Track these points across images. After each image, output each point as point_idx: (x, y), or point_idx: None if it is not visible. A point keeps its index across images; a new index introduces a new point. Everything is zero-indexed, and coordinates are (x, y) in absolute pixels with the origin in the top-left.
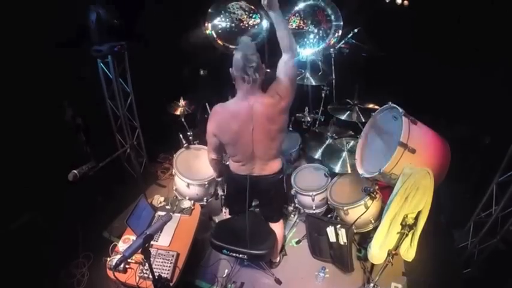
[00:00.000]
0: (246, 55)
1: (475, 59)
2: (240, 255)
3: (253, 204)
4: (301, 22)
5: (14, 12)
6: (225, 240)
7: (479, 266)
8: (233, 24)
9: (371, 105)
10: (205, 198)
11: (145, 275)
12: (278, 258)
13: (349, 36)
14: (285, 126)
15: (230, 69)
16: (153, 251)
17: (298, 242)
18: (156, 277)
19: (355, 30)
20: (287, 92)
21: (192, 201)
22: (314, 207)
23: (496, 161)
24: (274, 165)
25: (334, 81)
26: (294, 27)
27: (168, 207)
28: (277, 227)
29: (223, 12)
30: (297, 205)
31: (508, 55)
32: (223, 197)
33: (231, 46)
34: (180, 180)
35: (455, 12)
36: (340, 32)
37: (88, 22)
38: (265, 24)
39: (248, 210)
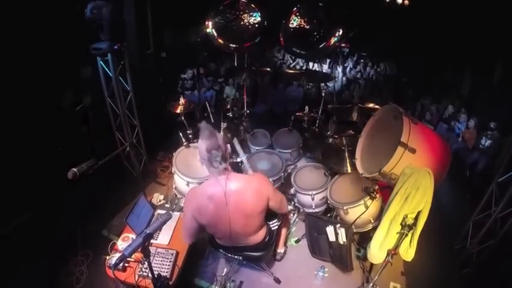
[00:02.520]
0: (210, 150)
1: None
2: (235, 256)
3: None
4: (302, 21)
5: (15, 9)
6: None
7: (478, 266)
8: (233, 23)
9: (371, 105)
10: None
11: (145, 274)
12: (284, 249)
13: (349, 35)
14: (264, 207)
15: (198, 156)
16: (152, 249)
17: (297, 241)
18: (156, 276)
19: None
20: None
21: None
22: (314, 207)
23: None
24: (258, 237)
25: (334, 81)
26: (294, 25)
27: (167, 205)
28: (284, 220)
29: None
30: (296, 204)
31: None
32: None
33: (231, 44)
34: (179, 178)
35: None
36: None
37: (90, 18)
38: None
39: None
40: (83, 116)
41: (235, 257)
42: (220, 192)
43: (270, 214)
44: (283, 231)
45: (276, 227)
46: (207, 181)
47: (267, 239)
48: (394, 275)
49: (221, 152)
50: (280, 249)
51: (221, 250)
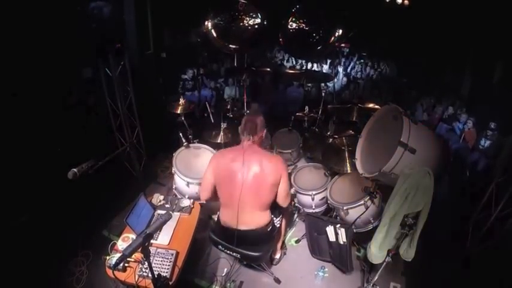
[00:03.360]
0: (246, 121)
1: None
2: (234, 254)
3: None
4: (301, 22)
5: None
6: (221, 236)
7: (478, 266)
8: (233, 24)
9: (371, 105)
10: None
11: (145, 274)
12: (279, 255)
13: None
14: (275, 184)
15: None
16: (152, 249)
17: (297, 241)
18: (156, 276)
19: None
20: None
21: (192, 200)
22: (314, 207)
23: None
24: (262, 219)
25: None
26: (294, 26)
27: (167, 205)
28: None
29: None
30: (296, 204)
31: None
32: None
33: (230, 45)
34: (179, 179)
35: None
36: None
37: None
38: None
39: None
40: (83, 116)
41: (234, 254)
42: (241, 154)
43: (273, 207)
44: (282, 232)
45: (278, 224)
46: (236, 145)
47: (269, 229)
48: (394, 275)
49: (251, 125)
50: (277, 255)
51: (220, 247)
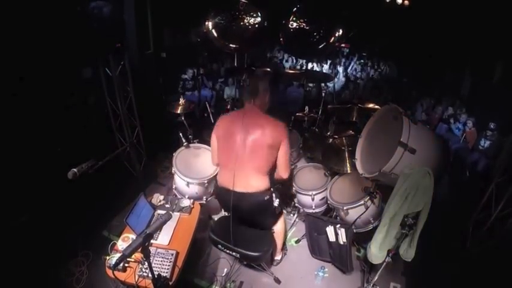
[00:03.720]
0: (248, 83)
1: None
2: (233, 253)
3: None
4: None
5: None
6: (220, 236)
7: (478, 266)
8: (233, 23)
9: (371, 105)
10: (204, 197)
11: (145, 274)
12: (280, 256)
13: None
14: (273, 147)
15: None
16: (152, 249)
17: (297, 242)
18: (156, 276)
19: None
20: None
21: (192, 200)
22: (314, 207)
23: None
24: (260, 184)
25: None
26: (294, 26)
27: (167, 205)
28: (277, 223)
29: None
30: (296, 204)
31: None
32: None
33: (231, 45)
34: (179, 179)
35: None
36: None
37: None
38: None
39: (232, 222)
40: (83, 116)
41: (233, 254)
42: (241, 116)
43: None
44: (279, 236)
45: (277, 203)
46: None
47: (265, 198)
48: (394, 275)
49: (252, 87)
50: (278, 257)
51: (220, 246)
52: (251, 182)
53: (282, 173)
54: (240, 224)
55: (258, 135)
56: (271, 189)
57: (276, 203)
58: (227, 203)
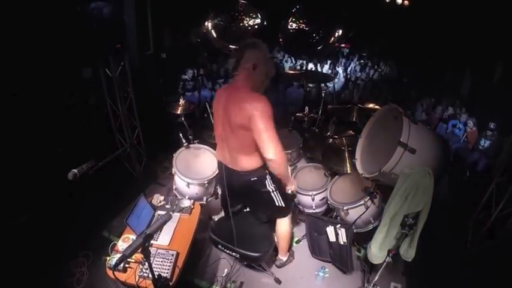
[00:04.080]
0: (233, 56)
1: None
2: (233, 254)
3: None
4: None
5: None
6: (221, 236)
7: (478, 266)
8: (233, 24)
9: (371, 105)
10: (205, 198)
11: (145, 275)
12: (285, 258)
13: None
14: (243, 125)
15: None
16: (152, 250)
17: (298, 242)
18: (156, 276)
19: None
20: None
21: (192, 201)
22: (314, 207)
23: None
24: (244, 163)
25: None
26: (294, 26)
27: (167, 206)
28: (281, 224)
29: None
30: (296, 204)
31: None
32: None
33: (231, 46)
34: (179, 179)
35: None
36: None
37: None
38: None
39: (229, 197)
40: (83, 116)
41: (234, 254)
42: (224, 91)
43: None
44: (283, 236)
45: (271, 189)
46: None
47: (253, 179)
48: (394, 275)
49: (237, 56)
50: (283, 257)
51: (220, 246)
52: (236, 160)
53: (264, 152)
54: (237, 202)
55: (233, 114)
56: (262, 171)
57: (270, 188)
58: (222, 179)
